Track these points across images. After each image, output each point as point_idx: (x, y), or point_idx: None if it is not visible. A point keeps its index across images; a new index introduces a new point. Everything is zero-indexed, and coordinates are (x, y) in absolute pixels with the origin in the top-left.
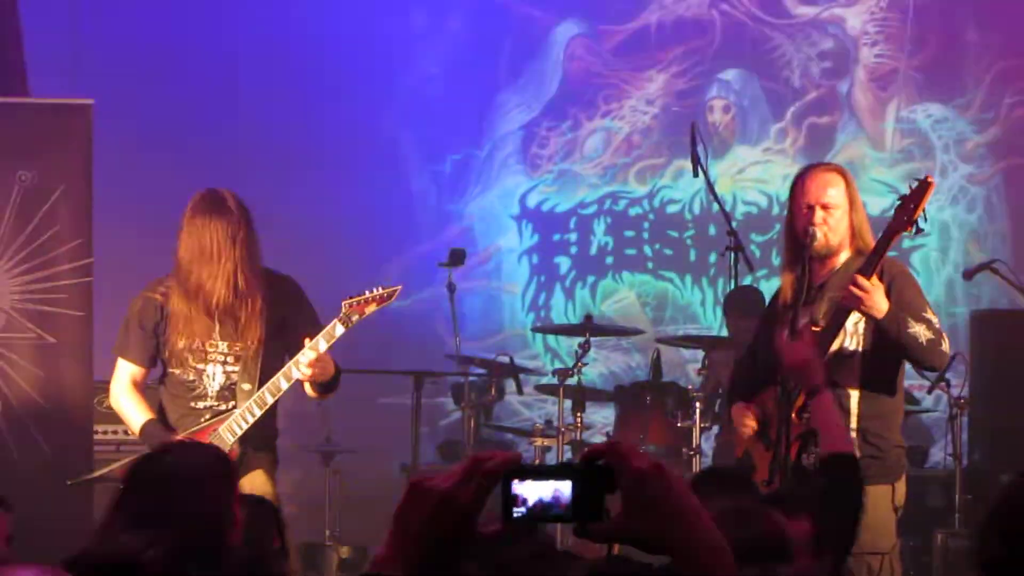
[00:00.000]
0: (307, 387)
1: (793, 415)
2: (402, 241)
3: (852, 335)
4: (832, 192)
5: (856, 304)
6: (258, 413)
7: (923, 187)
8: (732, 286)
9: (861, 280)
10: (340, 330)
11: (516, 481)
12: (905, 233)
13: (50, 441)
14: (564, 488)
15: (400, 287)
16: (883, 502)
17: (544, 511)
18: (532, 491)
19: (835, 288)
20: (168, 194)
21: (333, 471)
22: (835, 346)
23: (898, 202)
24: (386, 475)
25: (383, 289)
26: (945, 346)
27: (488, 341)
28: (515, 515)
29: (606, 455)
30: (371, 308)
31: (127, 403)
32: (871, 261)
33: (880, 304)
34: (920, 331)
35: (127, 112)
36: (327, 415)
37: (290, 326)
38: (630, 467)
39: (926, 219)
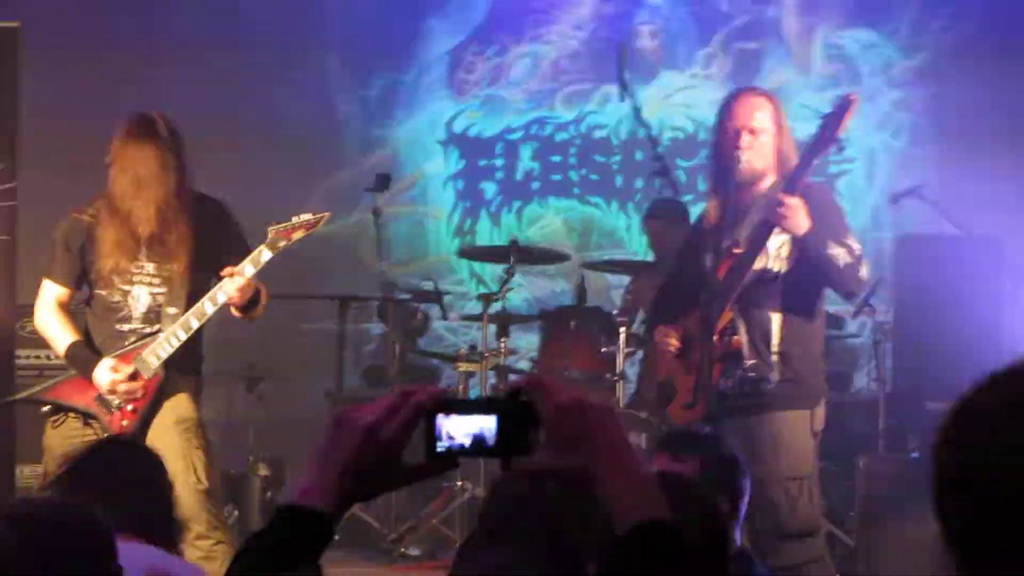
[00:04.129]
0: (232, 309)
1: (715, 337)
2: (328, 165)
3: (775, 259)
4: (759, 116)
5: (778, 220)
6: (183, 337)
7: (845, 104)
8: None
9: (783, 197)
10: (267, 255)
11: (441, 415)
12: (829, 151)
13: None
14: (489, 423)
15: (329, 213)
16: (801, 427)
17: (469, 446)
18: (457, 425)
19: (758, 211)
20: (94, 116)
21: (257, 397)
22: (757, 267)
23: (820, 120)
24: (311, 401)
25: (312, 215)
26: (864, 272)
27: (414, 266)
28: (439, 450)
29: (529, 389)
30: (298, 235)
31: (52, 324)
32: (793, 176)
33: (801, 222)
34: (839, 253)
35: (53, 33)
36: (253, 341)
37: (218, 250)
38: (551, 402)
39: (847, 137)
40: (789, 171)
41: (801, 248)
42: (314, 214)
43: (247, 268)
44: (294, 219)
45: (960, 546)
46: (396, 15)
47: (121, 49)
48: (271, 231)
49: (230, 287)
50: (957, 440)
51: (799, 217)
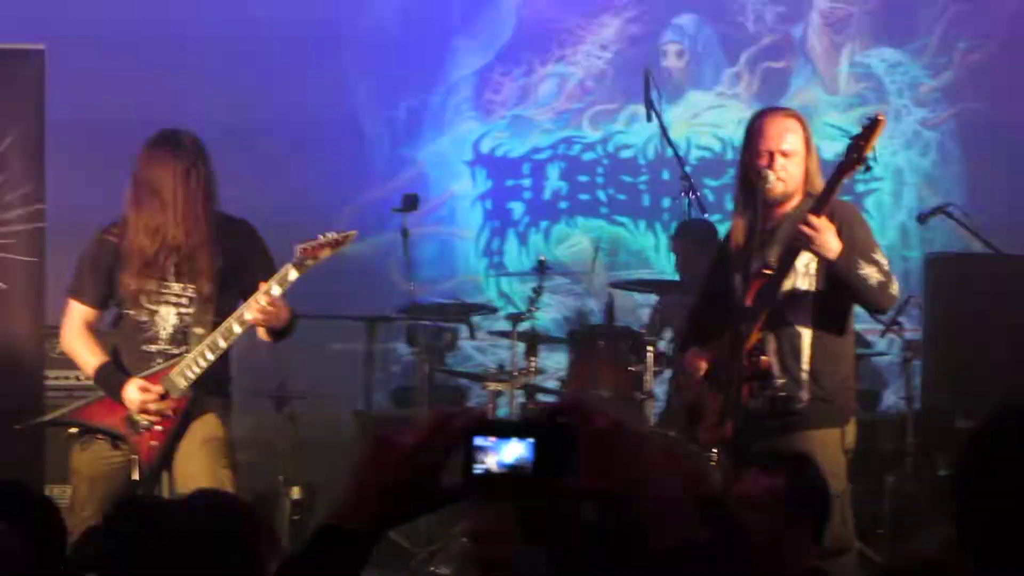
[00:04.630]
0: (260, 331)
1: (744, 356)
2: (356, 187)
3: (804, 275)
4: (791, 139)
5: (807, 243)
6: (211, 358)
7: (873, 125)
8: None
9: (812, 219)
10: (294, 275)
11: (479, 438)
12: (857, 171)
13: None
14: (526, 446)
15: (355, 232)
16: (833, 445)
17: (507, 469)
18: (494, 447)
19: (787, 231)
20: (121, 139)
21: (286, 417)
22: (787, 286)
23: (849, 140)
24: (339, 421)
25: (337, 234)
26: (894, 288)
27: (442, 287)
28: (476, 472)
29: (566, 413)
30: (325, 253)
31: (80, 345)
32: (822, 198)
33: (831, 243)
34: (870, 272)
35: (79, 57)
36: (281, 361)
37: (245, 270)
38: (589, 425)
39: (875, 157)
40: (816, 191)
41: (832, 269)
42: (340, 233)
43: (274, 288)
44: (321, 237)
45: (976, 548)
46: (423, 36)
47: (146, 68)
48: (298, 249)
49: (257, 305)
50: (982, 449)
51: (829, 239)
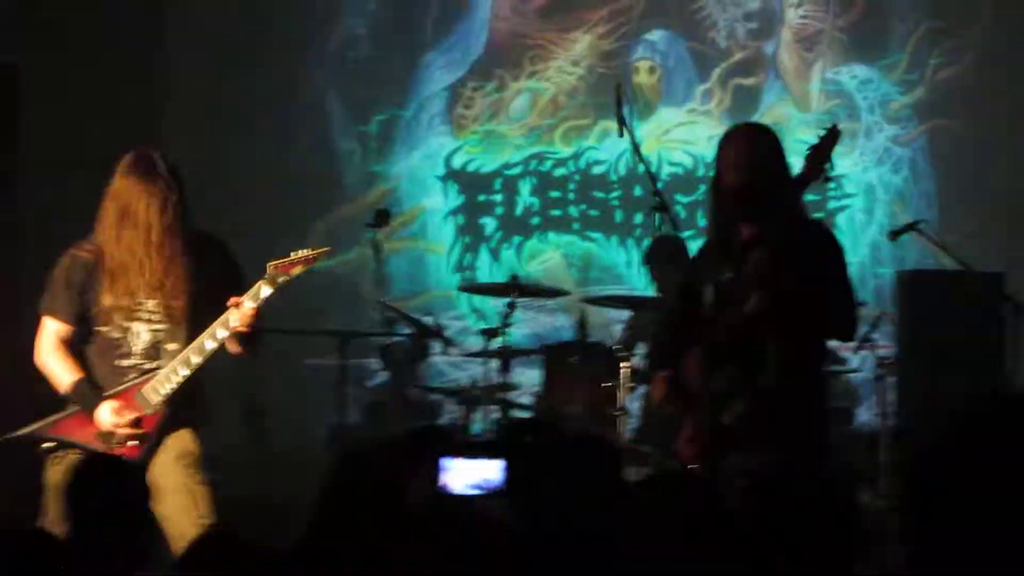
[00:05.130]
0: (231, 344)
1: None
2: (328, 202)
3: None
4: (760, 149)
5: (756, 279)
6: (185, 373)
7: (831, 135)
8: None
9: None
10: (266, 291)
11: (447, 457)
12: (817, 181)
13: None
14: (495, 465)
15: (328, 249)
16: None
17: (477, 488)
18: (463, 467)
19: (756, 247)
20: (95, 155)
21: (259, 432)
22: (751, 304)
23: (808, 151)
24: (312, 436)
25: (310, 251)
26: (856, 315)
27: (414, 301)
28: (446, 491)
29: (532, 433)
30: (297, 270)
31: (55, 362)
32: (784, 211)
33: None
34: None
35: (53, 73)
36: (252, 376)
37: (218, 287)
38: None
39: (833, 167)
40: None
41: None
42: (312, 249)
43: (246, 303)
44: (292, 255)
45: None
46: (395, 50)
47: (120, 84)
48: (270, 267)
49: (230, 322)
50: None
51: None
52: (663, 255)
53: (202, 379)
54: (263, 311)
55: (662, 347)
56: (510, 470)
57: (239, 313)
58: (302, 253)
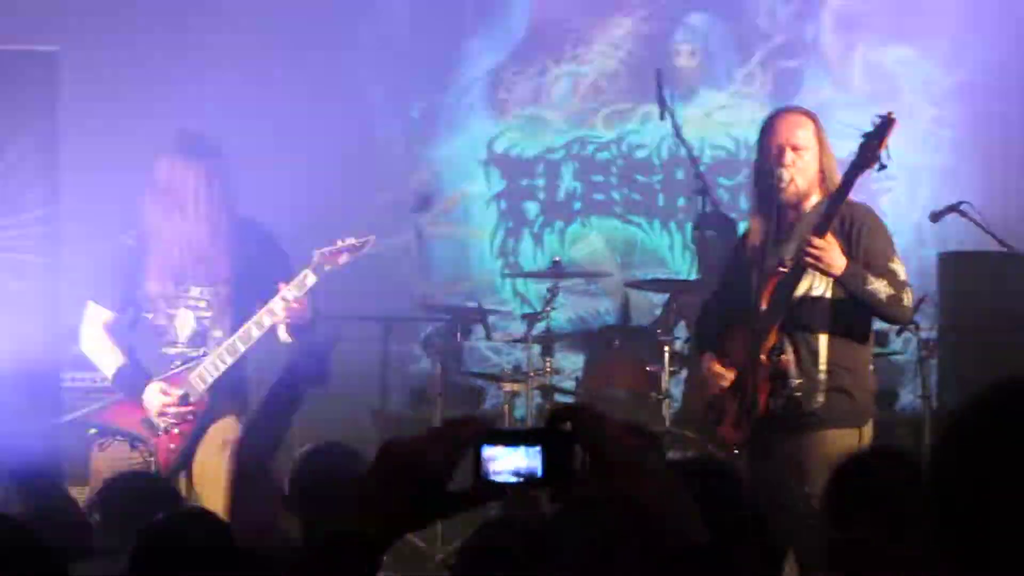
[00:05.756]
0: (281, 331)
1: (762, 356)
2: (370, 188)
3: (821, 278)
4: (801, 133)
5: (811, 265)
6: (229, 361)
7: (885, 123)
8: None
9: (814, 240)
10: (312, 279)
11: (487, 446)
12: (871, 170)
13: (18, 390)
14: (534, 453)
15: (372, 237)
16: (850, 445)
17: (515, 476)
18: (503, 455)
19: (804, 230)
20: (137, 140)
21: (303, 419)
22: (803, 287)
23: (861, 139)
24: (356, 421)
25: (356, 239)
26: (907, 300)
27: (456, 287)
28: (485, 479)
29: (570, 418)
30: (344, 258)
31: (99, 347)
32: (835, 200)
33: (836, 262)
34: (880, 287)
35: (91, 56)
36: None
37: (263, 274)
38: (596, 430)
39: (889, 156)
40: (833, 189)
41: (841, 285)
42: (358, 238)
43: (292, 291)
44: (339, 243)
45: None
46: (435, 35)
47: (160, 71)
48: (316, 254)
49: (276, 309)
50: (961, 435)
51: (832, 257)
52: (713, 228)
53: (247, 366)
54: (311, 299)
55: (707, 329)
56: (546, 457)
57: (285, 301)
58: (348, 241)
